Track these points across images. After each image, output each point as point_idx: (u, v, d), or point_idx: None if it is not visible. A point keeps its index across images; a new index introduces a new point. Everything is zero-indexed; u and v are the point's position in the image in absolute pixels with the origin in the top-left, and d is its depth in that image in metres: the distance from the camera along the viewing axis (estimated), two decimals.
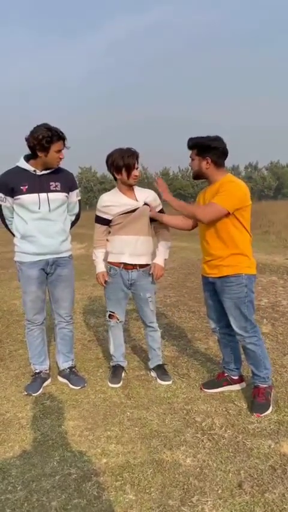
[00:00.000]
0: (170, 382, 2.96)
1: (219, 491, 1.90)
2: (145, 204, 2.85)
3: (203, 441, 2.29)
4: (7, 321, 4.68)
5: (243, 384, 2.86)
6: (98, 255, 3.00)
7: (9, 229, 2.94)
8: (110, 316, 3.04)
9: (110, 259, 2.94)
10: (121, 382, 3.00)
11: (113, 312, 3.02)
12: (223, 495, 1.88)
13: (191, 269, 7.36)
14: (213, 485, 1.94)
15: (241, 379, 2.87)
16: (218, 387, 2.83)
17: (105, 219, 2.89)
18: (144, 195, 2.88)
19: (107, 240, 2.96)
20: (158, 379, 3.01)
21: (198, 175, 2.63)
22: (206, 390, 2.83)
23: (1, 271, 8.08)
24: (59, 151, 2.70)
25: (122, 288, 2.94)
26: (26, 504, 1.88)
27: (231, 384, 2.84)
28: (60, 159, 2.74)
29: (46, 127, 2.61)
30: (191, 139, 2.59)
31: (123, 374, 3.09)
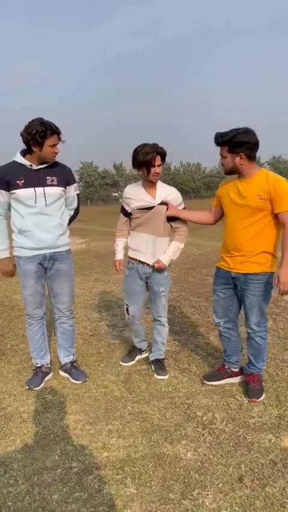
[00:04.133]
0: (166, 377, 2.97)
1: (220, 485, 1.91)
2: (162, 203, 2.81)
3: (203, 435, 2.30)
4: (8, 315, 4.68)
5: (244, 377, 2.86)
6: (118, 243, 3.09)
7: None
8: (126, 309, 3.10)
9: (129, 253, 3.01)
10: (133, 362, 3.14)
11: (128, 306, 3.07)
12: (224, 489, 1.89)
13: (192, 264, 7.34)
14: (213, 479, 1.95)
15: (241, 372, 2.88)
16: (218, 380, 2.84)
17: (126, 210, 2.94)
18: (164, 193, 2.83)
19: (129, 233, 3.02)
20: (154, 373, 3.02)
21: (232, 171, 2.53)
22: (206, 382, 2.84)
23: None
24: (54, 145, 2.66)
25: (137, 281, 2.98)
26: (27, 497, 1.89)
27: (232, 377, 2.85)
28: (56, 153, 2.71)
29: (40, 121, 2.58)
30: (220, 136, 2.43)
31: (137, 357, 3.21)
